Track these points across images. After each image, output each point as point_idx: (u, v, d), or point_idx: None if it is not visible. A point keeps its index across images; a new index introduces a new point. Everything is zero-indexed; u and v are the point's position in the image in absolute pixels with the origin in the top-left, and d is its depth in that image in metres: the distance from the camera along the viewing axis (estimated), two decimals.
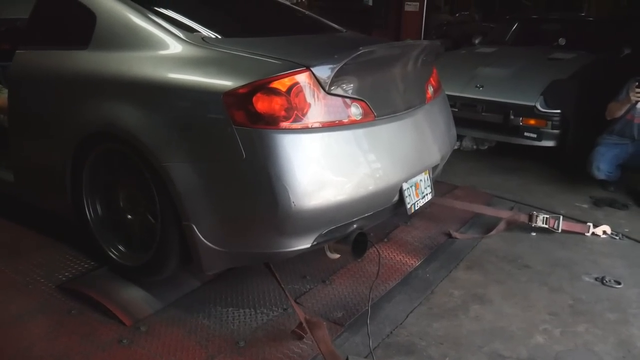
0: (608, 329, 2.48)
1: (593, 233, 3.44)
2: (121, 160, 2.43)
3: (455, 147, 5.21)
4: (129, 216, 2.55)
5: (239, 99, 2.05)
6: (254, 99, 2.04)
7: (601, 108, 4.20)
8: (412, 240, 3.21)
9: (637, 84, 3.89)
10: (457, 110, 4.76)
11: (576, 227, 3.47)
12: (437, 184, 3.50)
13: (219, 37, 2.45)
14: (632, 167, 4.16)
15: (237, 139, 2.03)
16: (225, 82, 2.10)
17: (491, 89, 4.81)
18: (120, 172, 2.49)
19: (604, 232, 3.45)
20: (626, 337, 2.42)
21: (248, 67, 2.17)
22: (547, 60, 5.27)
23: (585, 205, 4.00)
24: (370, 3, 9.87)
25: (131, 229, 2.56)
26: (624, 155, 4.13)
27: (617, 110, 4.07)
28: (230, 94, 2.06)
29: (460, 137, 5.30)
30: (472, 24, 9.86)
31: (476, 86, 4.86)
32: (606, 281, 2.88)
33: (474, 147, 5.39)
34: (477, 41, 6.49)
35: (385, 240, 3.18)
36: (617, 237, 3.43)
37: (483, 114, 4.79)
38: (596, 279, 2.92)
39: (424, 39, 7.33)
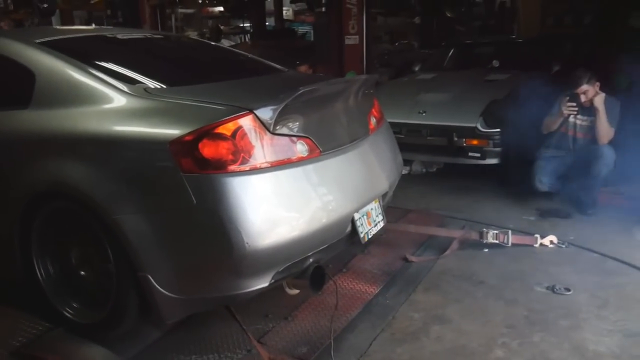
0: (562, 336, 2.58)
1: (541, 244, 3.58)
2: (71, 217, 2.40)
3: (405, 172, 5.37)
4: (82, 272, 2.51)
5: (185, 147, 2.09)
6: (200, 145, 2.08)
7: (537, 123, 4.43)
8: (370, 268, 3.27)
9: (567, 98, 4.13)
10: (403, 136, 4.91)
11: (525, 239, 3.61)
12: (390, 210, 3.60)
13: (162, 86, 2.49)
14: (572, 177, 4.37)
15: (186, 186, 2.06)
16: (170, 131, 2.14)
17: (433, 113, 4.99)
18: (70, 229, 2.46)
19: (551, 242, 3.60)
20: (579, 342, 2.53)
21: (192, 115, 2.22)
22: (483, 82, 5.51)
23: (532, 218, 4.17)
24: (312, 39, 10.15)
25: (85, 286, 2.52)
26: (563, 167, 4.34)
27: (552, 125, 4.30)
28: (176, 142, 2.09)
29: (409, 162, 5.46)
30: (412, 52, 10.25)
31: (419, 112, 5.04)
32: (557, 289, 3.00)
33: (423, 170, 5.55)
34: (417, 68, 6.74)
35: (344, 270, 3.23)
36: (564, 246, 3.58)
37: (428, 138, 4.96)
38: (547, 288, 3.04)
39: (366, 69, 7.55)
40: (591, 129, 4.16)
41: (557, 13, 9.21)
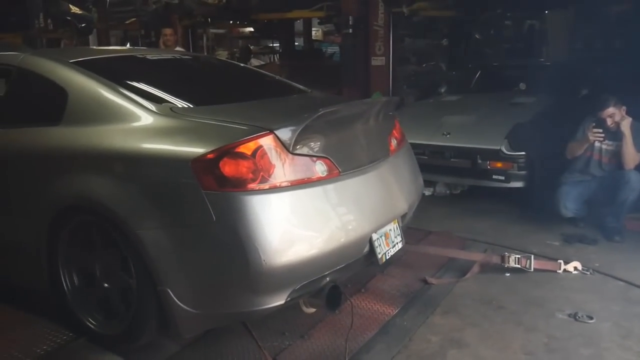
0: None
1: (565, 270, 3.53)
2: (97, 230, 2.48)
3: (429, 193, 5.36)
4: (106, 284, 2.58)
5: (207, 165, 2.15)
6: (221, 163, 2.14)
7: (563, 147, 4.39)
8: (389, 288, 3.26)
9: (593, 125, 4.09)
10: (426, 157, 4.91)
11: (548, 265, 3.56)
12: (412, 231, 3.60)
13: (188, 106, 2.58)
14: (598, 202, 4.31)
15: (206, 203, 2.12)
16: (193, 149, 2.21)
17: (458, 135, 4.99)
18: (95, 242, 2.54)
19: (575, 268, 3.54)
20: None
21: (214, 134, 2.29)
22: (509, 105, 5.50)
23: (556, 243, 4.11)
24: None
25: (108, 298, 2.58)
26: (588, 192, 4.28)
27: (577, 150, 4.25)
28: (198, 160, 2.16)
29: (433, 183, 5.45)
30: (439, 73, 10.24)
31: (443, 134, 5.04)
32: (579, 317, 2.95)
33: (447, 192, 5.53)
34: (443, 90, 6.75)
35: (363, 290, 3.23)
36: (588, 272, 3.52)
37: (452, 160, 4.95)
38: (569, 315, 2.98)
39: (392, 90, 7.59)
40: (617, 154, 4.10)
41: (587, 37, 9.11)
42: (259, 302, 2.23)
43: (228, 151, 2.17)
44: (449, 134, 5.03)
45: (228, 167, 2.15)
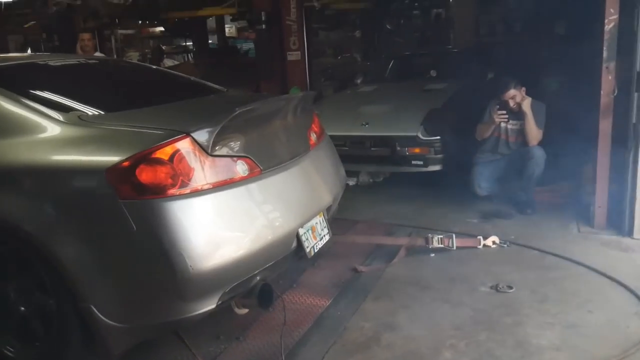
0: (506, 333, 2.68)
1: (484, 245, 3.72)
2: (6, 252, 2.33)
3: (353, 183, 5.46)
4: (22, 308, 2.43)
5: (123, 173, 2.07)
6: (137, 171, 2.07)
7: (474, 130, 4.61)
8: (321, 280, 3.30)
9: (497, 106, 4.32)
10: (347, 148, 4.99)
11: (468, 242, 3.74)
12: (339, 222, 3.65)
13: (98, 113, 2.46)
14: (509, 179, 4.57)
15: (125, 213, 2.04)
16: (106, 158, 2.12)
17: (376, 124, 5.10)
18: (6, 264, 2.38)
19: (494, 242, 3.74)
20: (522, 337, 2.63)
21: (128, 141, 2.20)
22: (422, 92, 5.68)
23: (475, 220, 4.32)
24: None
25: (26, 322, 2.43)
26: (499, 170, 4.54)
27: (485, 131, 4.48)
28: (113, 169, 2.07)
29: (356, 173, 5.55)
30: (354, 64, 10.44)
31: (362, 124, 5.14)
32: (500, 288, 3.12)
33: (370, 180, 5.65)
34: (359, 81, 6.88)
35: (295, 285, 3.25)
36: (505, 245, 3.73)
37: (372, 149, 5.06)
38: (491, 287, 3.15)
39: (309, 84, 7.65)
40: (521, 132, 4.36)
41: (490, 22, 9.62)
42: (189, 308, 2.18)
43: (144, 158, 2.09)
44: (367, 124, 5.13)
45: (145, 174, 2.08)
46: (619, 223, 3.79)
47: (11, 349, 2.44)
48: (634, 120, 3.55)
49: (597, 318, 2.75)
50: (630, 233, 3.67)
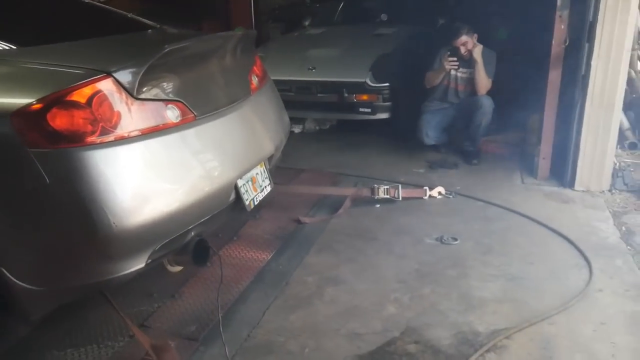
0: (450, 286, 2.65)
1: (430, 195, 3.67)
2: None
3: (298, 131, 5.28)
4: None
5: (32, 118, 1.80)
6: (49, 115, 1.80)
7: (423, 77, 4.48)
8: (262, 233, 3.16)
9: (448, 53, 4.19)
10: (293, 94, 4.78)
11: (414, 192, 3.68)
12: (283, 171, 3.50)
13: (8, 47, 2.13)
14: (457, 128, 4.51)
15: (36, 164, 1.78)
16: (12, 100, 1.83)
17: (323, 69, 4.89)
18: None
19: (439, 193, 3.70)
20: (466, 290, 2.61)
21: (39, 80, 1.91)
22: (372, 36, 5.47)
23: (421, 170, 4.26)
24: None
25: None
26: (447, 119, 4.46)
27: (435, 79, 4.36)
28: (19, 113, 1.80)
29: (302, 120, 5.36)
30: (302, 6, 10.01)
31: (309, 68, 4.92)
32: (444, 240, 3.08)
33: (317, 128, 5.49)
34: (307, 23, 6.57)
35: (235, 238, 3.10)
36: (451, 196, 3.70)
37: (319, 95, 4.86)
38: (436, 239, 3.11)
39: (255, 24, 7.27)
40: (471, 81, 4.27)
41: None
42: (114, 269, 1.98)
43: (57, 100, 1.82)
44: (314, 68, 4.91)
45: (59, 120, 1.81)
46: (561, 175, 3.81)
47: None
48: (582, 72, 3.51)
49: (539, 270, 2.76)
50: (572, 185, 3.71)
